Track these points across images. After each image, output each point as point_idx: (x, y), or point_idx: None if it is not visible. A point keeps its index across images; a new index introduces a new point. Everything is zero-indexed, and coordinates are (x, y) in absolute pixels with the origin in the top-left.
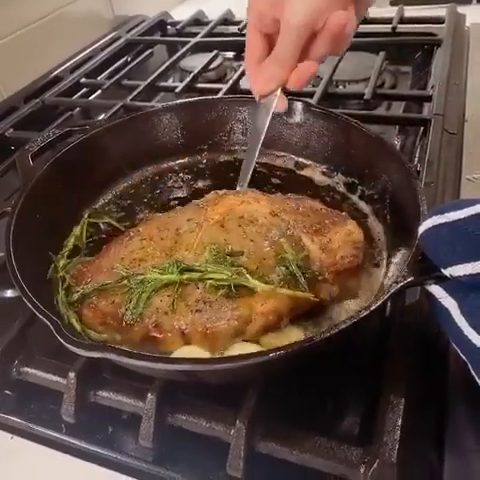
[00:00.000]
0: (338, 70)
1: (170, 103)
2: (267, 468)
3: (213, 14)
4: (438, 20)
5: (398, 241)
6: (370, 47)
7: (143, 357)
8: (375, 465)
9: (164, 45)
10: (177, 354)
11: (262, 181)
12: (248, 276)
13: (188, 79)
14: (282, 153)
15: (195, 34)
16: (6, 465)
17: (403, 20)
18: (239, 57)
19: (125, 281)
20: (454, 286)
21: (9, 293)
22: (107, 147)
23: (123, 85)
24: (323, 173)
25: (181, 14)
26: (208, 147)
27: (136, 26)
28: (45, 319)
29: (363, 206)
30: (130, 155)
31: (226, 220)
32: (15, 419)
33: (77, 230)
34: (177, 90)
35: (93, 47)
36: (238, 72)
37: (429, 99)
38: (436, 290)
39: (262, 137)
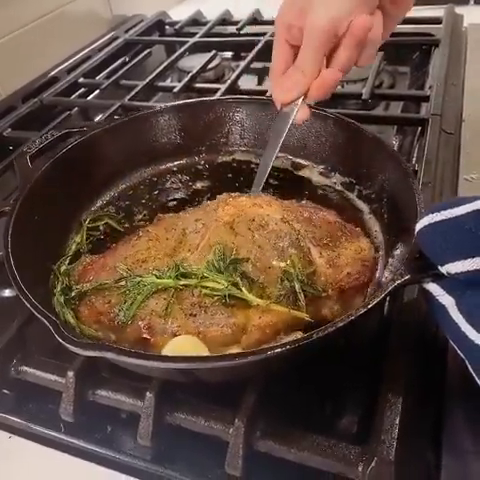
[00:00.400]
0: None
1: (168, 104)
2: (266, 466)
3: (211, 14)
4: (436, 21)
5: (396, 240)
6: None
7: (142, 356)
8: (373, 463)
9: (162, 45)
10: (171, 346)
11: None
12: (244, 289)
13: (186, 79)
14: (280, 154)
15: (193, 34)
16: (5, 464)
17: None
18: (237, 57)
19: (123, 282)
20: (451, 283)
21: (7, 293)
22: (105, 149)
23: (121, 85)
24: (321, 173)
25: (179, 14)
26: (206, 148)
27: (134, 26)
28: (43, 318)
29: (361, 205)
30: (128, 156)
31: (236, 222)
32: (14, 418)
33: (77, 237)
34: (175, 90)
35: (91, 47)
36: (236, 72)
37: (427, 99)
38: (433, 288)
39: (279, 145)
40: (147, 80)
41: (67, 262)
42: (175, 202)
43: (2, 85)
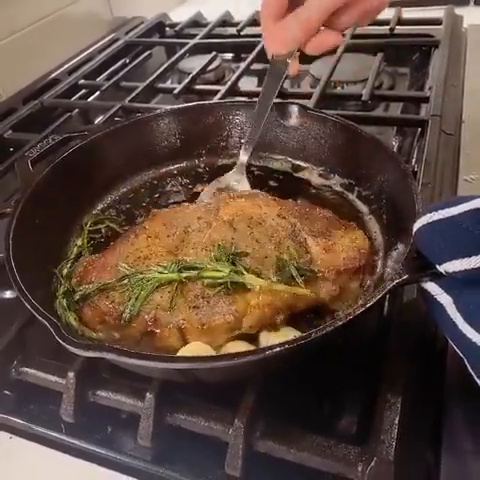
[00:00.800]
0: (336, 71)
1: (168, 108)
2: (265, 467)
3: (211, 16)
4: (436, 22)
5: (394, 240)
6: (368, 48)
7: (142, 356)
8: (372, 463)
9: (163, 47)
10: (182, 352)
11: (260, 184)
12: (245, 272)
13: (186, 81)
14: (279, 156)
15: (193, 36)
16: (5, 465)
17: (401, 22)
18: (237, 58)
19: (126, 280)
20: (449, 282)
21: (8, 294)
22: (106, 152)
23: (122, 87)
24: (320, 175)
25: (180, 16)
26: (206, 151)
27: (135, 28)
28: (43, 320)
29: (360, 206)
30: (129, 160)
31: (236, 221)
32: (14, 419)
33: (79, 241)
34: (175, 91)
35: (92, 49)
36: (236, 73)
37: (427, 100)
38: (431, 287)
39: (271, 103)
40: (147, 82)
41: (69, 265)
42: (175, 205)
43: (3, 87)
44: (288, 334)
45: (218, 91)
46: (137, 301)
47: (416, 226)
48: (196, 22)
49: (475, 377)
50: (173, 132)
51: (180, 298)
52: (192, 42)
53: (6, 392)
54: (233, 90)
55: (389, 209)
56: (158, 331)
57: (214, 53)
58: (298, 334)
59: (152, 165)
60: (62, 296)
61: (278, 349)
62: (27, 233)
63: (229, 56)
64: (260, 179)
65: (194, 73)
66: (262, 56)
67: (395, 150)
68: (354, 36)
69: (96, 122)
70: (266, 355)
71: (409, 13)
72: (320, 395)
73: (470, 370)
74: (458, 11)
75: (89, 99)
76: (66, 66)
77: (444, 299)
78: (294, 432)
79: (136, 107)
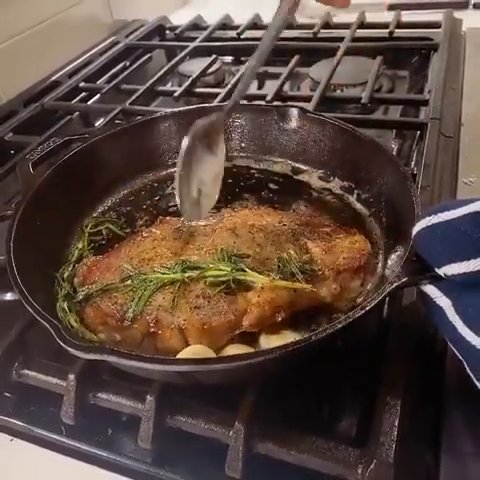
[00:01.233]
0: (336, 74)
1: (168, 111)
2: (265, 469)
3: (211, 19)
4: (435, 25)
5: (394, 242)
6: (367, 51)
7: (142, 359)
8: (372, 465)
9: (163, 50)
10: (182, 355)
11: (260, 186)
12: (247, 269)
13: (187, 83)
14: (279, 159)
15: (194, 39)
16: (6, 467)
17: (400, 25)
18: (237, 61)
19: (129, 281)
20: (448, 285)
21: (8, 296)
22: (106, 155)
23: (122, 89)
24: (320, 178)
25: (180, 19)
26: None
27: (135, 31)
28: (44, 322)
29: (360, 209)
30: (129, 163)
31: (238, 228)
32: (15, 421)
33: (80, 244)
34: (176, 94)
35: (92, 51)
36: (236, 76)
37: (426, 103)
38: (431, 290)
39: (269, 44)
40: (147, 84)
41: (70, 268)
42: (176, 208)
43: (4, 90)
44: (288, 337)
45: (218, 94)
46: (141, 301)
47: (415, 229)
48: (196, 25)
49: (474, 379)
50: (173, 135)
51: (182, 299)
52: (192, 45)
53: (7, 394)
54: (233, 93)
55: (389, 212)
56: (159, 332)
57: (214, 56)
58: (298, 337)
59: (152, 168)
60: (63, 299)
61: (278, 352)
62: (28, 235)
63: (229, 59)
64: (260, 182)
65: (194, 76)
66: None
67: (394, 153)
68: (354, 39)
69: (96, 125)
70: (266, 358)
71: (408, 16)
72: (320, 397)
73: (469, 372)
74: (457, 14)
75: (89, 102)
76: (67, 69)
77: (443, 302)
78: (294, 434)
79: (136, 110)
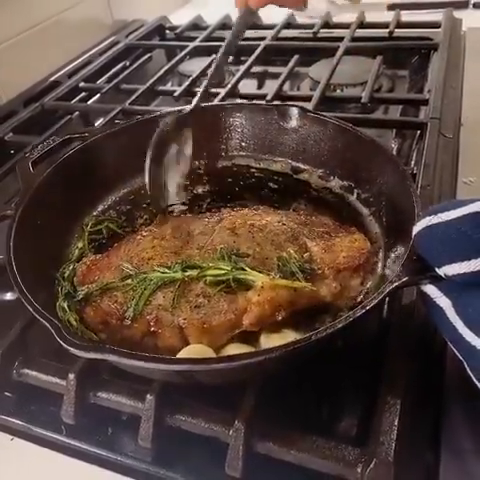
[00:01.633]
0: (335, 74)
1: (169, 109)
2: (265, 468)
3: (211, 19)
4: (435, 25)
5: (394, 242)
6: (367, 51)
7: (142, 358)
8: (372, 465)
9: (163, 49)
10: (183, 353)
11: (260, 185)
12: (247, 268)
13: (187, 83)
14: (279, 158)
15: (194, 38)
16: (6, 467)
17: (400, 25)
18: (237, 61)
19: (129, 280)
20: (448, 285)
21: (8, 296)
22: (106, 154)
23: (122, 89)
24: (320, 177)
25: (180, 19)
26: (206, 153)
27: (135, 30)
28: (44, 321)
29: (360, 208)
30: (129, 161)
31: (237, 227)
32: (15, 421)
33: (80, 243)
34: (176, 94)
35: (92, 51)
36: (236, 76)
37: (426, 103)
38: (431, 290)
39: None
40: (148, 84)
41: (70, 267)
42: (176, 207)
43: (3, 89)
44: (288, 336)
45: (218, 94)
46: (141, 300)
47: (415, 229)
48: (196, 25)
49: (474, 379)
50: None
51: (182, 298)
52: (192, 45)
53: (7, 393)
54: (233, 93)
55: (389, 211)
56: (159, 331)
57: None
58: (298, 336)
59: None
60: (63, 298)
61: (278, 351)
62: (28, 235)
63: (229, 59)
64: (260, 181)
65: (194, 76)
66: (261, 59)
67: (394, 152)
68: (353, 39)
69: (96, 125)
70: (266, 357)
71: (408, 16)
72: (320, 396)
73: (469, 373)
74: (457, 14)
75: (89, 102)
76: (66, 69)
77: (443, 302)
78: (294, 433)
79: (136, 110)
